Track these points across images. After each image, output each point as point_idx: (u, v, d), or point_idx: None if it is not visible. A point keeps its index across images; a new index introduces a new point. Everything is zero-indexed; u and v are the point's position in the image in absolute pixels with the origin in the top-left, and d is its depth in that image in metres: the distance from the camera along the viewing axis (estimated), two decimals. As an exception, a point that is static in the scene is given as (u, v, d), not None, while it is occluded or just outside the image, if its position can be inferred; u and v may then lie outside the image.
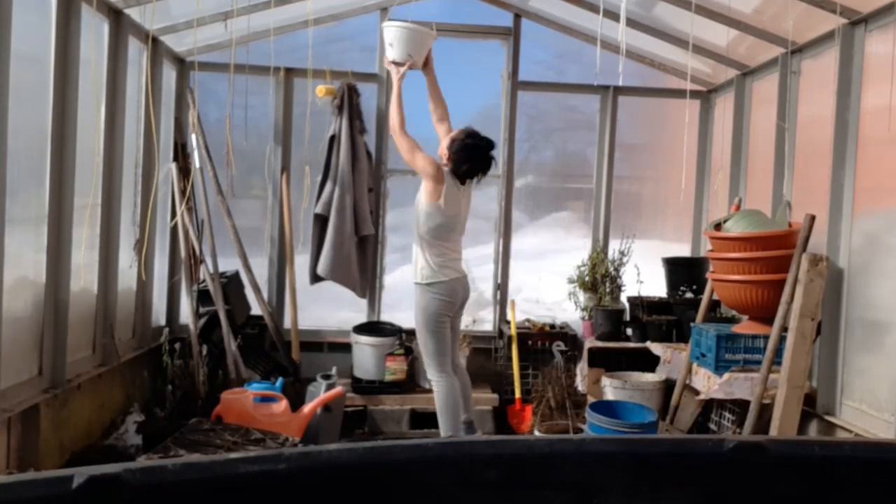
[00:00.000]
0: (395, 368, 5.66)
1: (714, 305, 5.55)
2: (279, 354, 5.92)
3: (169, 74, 5.79)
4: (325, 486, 1.29)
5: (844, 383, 4.23)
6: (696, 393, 4.98)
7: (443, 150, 4.69)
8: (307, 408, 4.88)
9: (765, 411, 4.36)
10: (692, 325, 5.06)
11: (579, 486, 1.41)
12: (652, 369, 5.53)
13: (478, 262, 6.46)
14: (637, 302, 5.80)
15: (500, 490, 1.37)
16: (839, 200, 4.26)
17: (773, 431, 4.19)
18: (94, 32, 4.43)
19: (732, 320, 5.19)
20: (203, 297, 5.65)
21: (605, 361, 5.67)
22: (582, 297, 6.13)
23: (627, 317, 5.89)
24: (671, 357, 5.35)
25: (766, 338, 4.60)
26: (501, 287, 6.34)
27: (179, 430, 4.50)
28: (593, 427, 4.49)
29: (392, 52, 4.74)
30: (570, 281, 6.16)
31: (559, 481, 1.40)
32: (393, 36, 4.73)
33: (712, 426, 5.15)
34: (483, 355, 6.23)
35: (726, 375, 4.53)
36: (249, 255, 5.87)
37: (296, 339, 5.89)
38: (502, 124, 6.29)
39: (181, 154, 5.83)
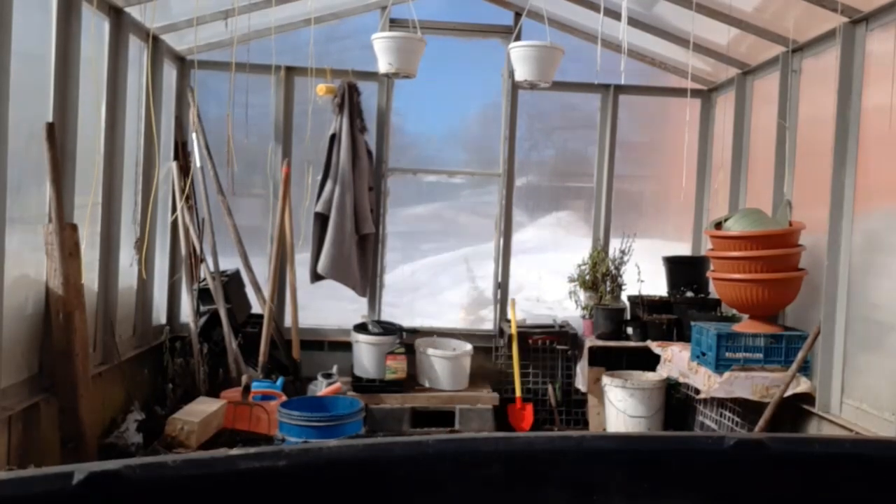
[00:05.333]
0: (396, 367, 5.66)
1: (715, 304, 5.57)
2: (280, 353, 5.92)
3: (169, 73, 5.78)
4: (325, 483, 1.29)
5: (845, 382, 4.23)
6: (697, 392, 4.98)
7: None
8: (307, 406, 4.88)
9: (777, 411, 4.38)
10: (693, 323, 5.06)
11: (579, 483, 1.41)
12: (652, 368, 5.53)
13: (478, 260, 6.48)
14: (637, 301, 5.80)
15: (500, 487, 1.37)
16: (840, 199, 4.25)
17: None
18: (94, 31, 4.43)
19: (733, 319, 5.19)
20: (204, 295, 5.66)
21: (606, 360, 5.67)
22: (582, 295, 6.12)
23: (628, 316, 5.88)
24: (671, 356, 5.35)
25: (767, 336, 4.61)
26: (502, 286, 6.33)
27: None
28: (284, 426, 4.56)
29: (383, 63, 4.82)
30: (571, 280, 6.16)
31: (559, 478, 1.40)
32: (382, 46, 4.81)
33: (709, 423, 5.15)
34: (483, 354, 6.23)
35: (727, 374, 4.54)
36: (250, 254, 5.87)
37: (296, 338, 5.88)
38: (503, 123, 6.29)
39: (182, 152, 5.83)
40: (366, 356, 5.71)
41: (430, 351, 5.74)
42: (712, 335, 4.68)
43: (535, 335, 6.04)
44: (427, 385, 5.77)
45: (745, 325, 4.77)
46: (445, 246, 6.63)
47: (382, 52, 4.88)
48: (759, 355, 4.57)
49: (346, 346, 5.91)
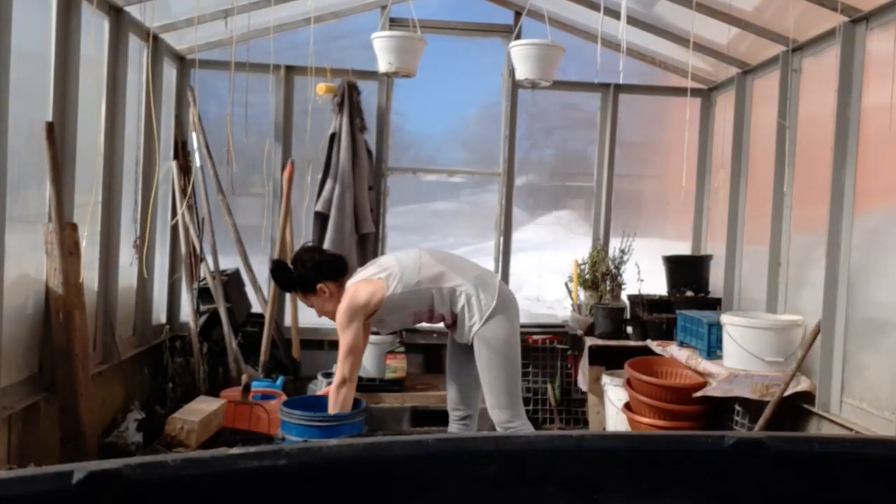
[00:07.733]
0: (396, 366, 5.66)
1: (715, 303, 5.57)
2: (280, 352, 5.92)
3: (169, 72, 5.78)
4: (325, 482, 1.29)
5: (845, 381, 4.23)
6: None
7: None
8: (307, 405, 4.87)
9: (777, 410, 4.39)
10: (678, 312, 5.24)
11: (579, 483, 1.41)
12: (652, 367, 5.54)
13: (478, 259, 6.46)
14: (637, 300, 5.80)
15: (499, 486, 1.37)
16: (840, 198, 4.25)
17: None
18: (94, 30, 4.42)
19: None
20: (203, 294, 5.66)
21: (606, 359, 5.67)
22: (582, 295, 6.13)
23: (628, 315, 5.88)
24: (671, 355, 5.34)
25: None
26: (502, 285, 6.32)
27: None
28: (286, 425, 4.55)
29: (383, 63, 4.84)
30: (571, 279, 6.16)
31: (559, 477, 1.40)
32: (382, 45, 4.81)
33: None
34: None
35: (726, 372, 4.54)
36: (249, 253, 5.87)
37: (296, 337, 5.88)
38: (503, 122, 6.29)
39: (181, 152, 5.83)
40: (366, 355, 5.70)
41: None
42: (704, 325, 4.88)
43: (534, 335, 6.05)
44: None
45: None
46: (445, 245, 6.62)
47: (382, 51, 4.88)
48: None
49: (346, 346, 5.89)
